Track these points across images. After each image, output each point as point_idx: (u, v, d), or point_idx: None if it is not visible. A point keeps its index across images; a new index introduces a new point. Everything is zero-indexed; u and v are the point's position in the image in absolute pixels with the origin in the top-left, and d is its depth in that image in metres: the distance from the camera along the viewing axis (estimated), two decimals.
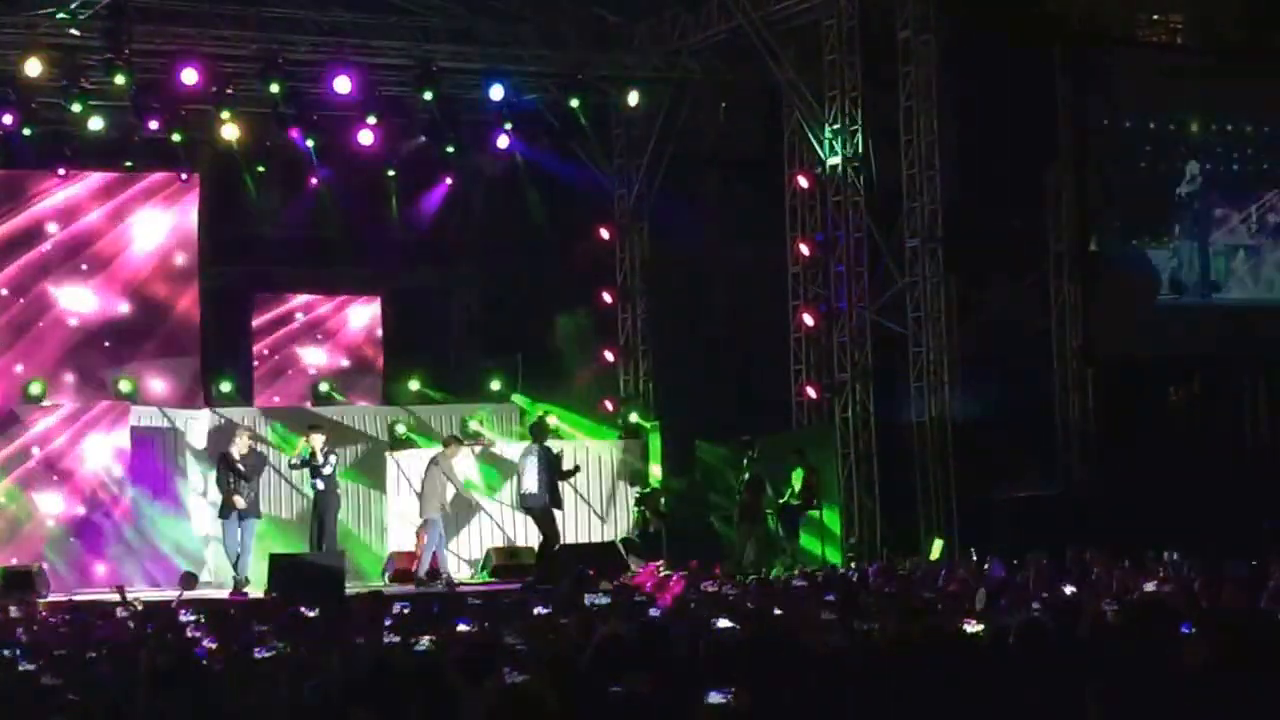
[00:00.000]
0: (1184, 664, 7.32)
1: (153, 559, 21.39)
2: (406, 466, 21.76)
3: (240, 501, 19.18)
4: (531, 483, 19.69)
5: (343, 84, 21.38)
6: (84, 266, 23.13)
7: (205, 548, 21.53)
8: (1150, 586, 13.16)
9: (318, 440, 19.88)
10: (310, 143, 22.84)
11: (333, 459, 19.90)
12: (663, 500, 22.56)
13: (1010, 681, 7.72)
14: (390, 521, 22.13)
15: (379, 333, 25.06)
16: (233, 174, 23.42)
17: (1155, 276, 22.31)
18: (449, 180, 24.65)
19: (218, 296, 23.85)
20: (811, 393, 21.92)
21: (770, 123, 22.85)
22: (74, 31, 20.46)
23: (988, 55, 20.93)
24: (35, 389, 22.28)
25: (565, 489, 20.51)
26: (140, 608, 14.84)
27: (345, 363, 24.87)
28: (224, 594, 18.88)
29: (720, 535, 22.06)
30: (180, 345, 23.42)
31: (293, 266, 24.62)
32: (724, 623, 9.75)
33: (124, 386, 22.57)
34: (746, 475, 20.94)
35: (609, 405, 24.51)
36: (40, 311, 22.93)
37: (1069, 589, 13.27)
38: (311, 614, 13.09)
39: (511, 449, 21.88)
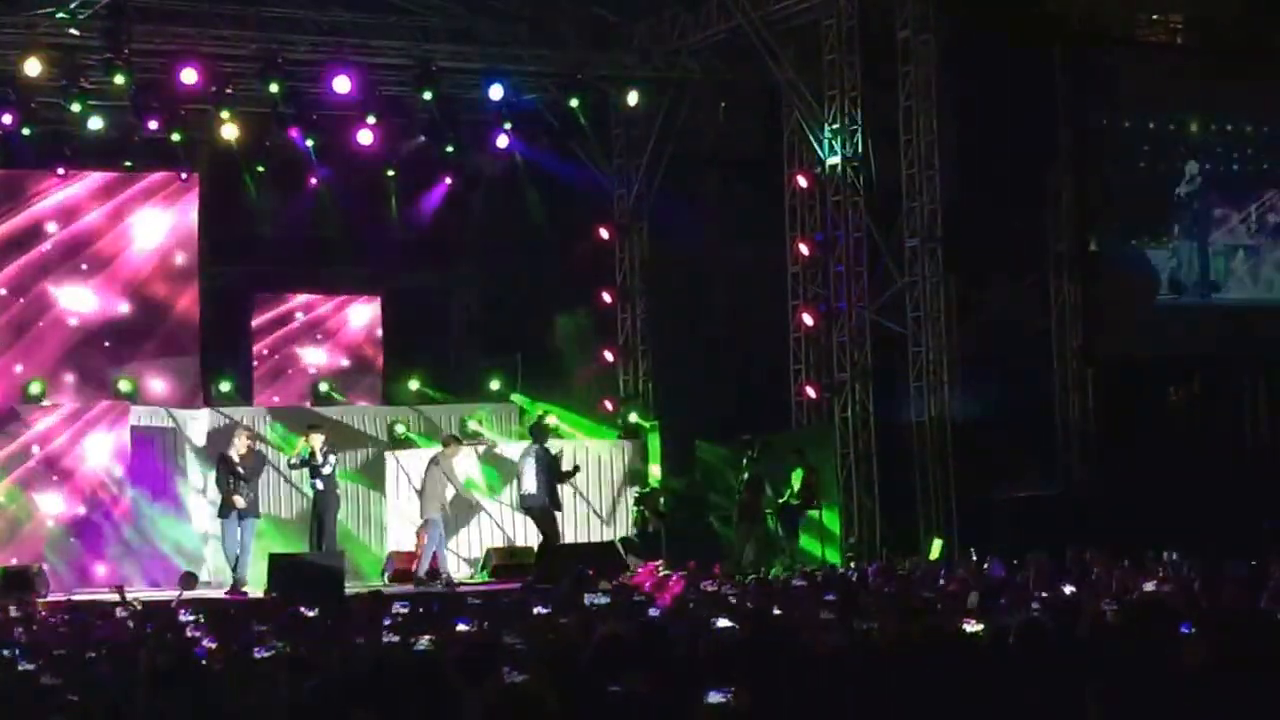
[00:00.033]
0: (1184, 664, 7.32)
1: (152, 559, 21.38)
2: (406, 466, 21.77)
3: (240, 501, 19.16)
4: (531, 483, 19.70)
5: (342, 84, 21.39)
6: (84, 266, 23.11)
7: (205, 547, 21.54)
8: (1150, 586, 13.15)
9: (317, 440, 19.87)
10: (310, 142, 22.85)
11: (332, 459, 19.89)
12: (662, 500, 22.53)
13: (1010, 681, 7.72)
14: (390, 521, 22.15)
15: (379, 333, 25.03)
16: (232, 174, 23.38)
17: (1155, 276, 22.34)
18: (448, 180, 24.63)
19: (217, 296, 23.83)
20: (811, 393, 21.92)
21: (770, 123, 22.84)
22: (74, 31, 20.47)
23: (988, 55, 20.93)
24: (35, 389, 22.28)
25: (565, 489, 20.53)
26: (140, 608, 14.81)
27: (345, 363, 24.85)
28: (223, 594, 18.87)
29: (719, 535, 22.02)
30: (180, 345, 23.41)
31: (292, 266, 24.57)
32: (723, 622, 9.74)
33: (124, 386, 22.56)
34: (746, 475, 20.91)
35: (609, 405, 24.50)
36: (40, 311, 22.91)
37: (1069, 589, 13.24)
38: (311, 614, 13.08)
39: (511, 449, 21.88)
